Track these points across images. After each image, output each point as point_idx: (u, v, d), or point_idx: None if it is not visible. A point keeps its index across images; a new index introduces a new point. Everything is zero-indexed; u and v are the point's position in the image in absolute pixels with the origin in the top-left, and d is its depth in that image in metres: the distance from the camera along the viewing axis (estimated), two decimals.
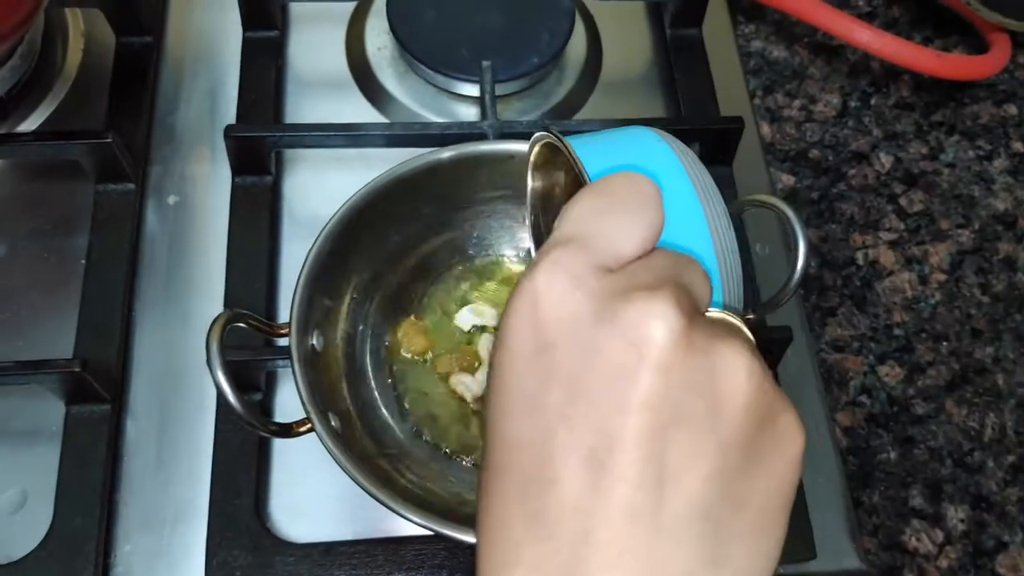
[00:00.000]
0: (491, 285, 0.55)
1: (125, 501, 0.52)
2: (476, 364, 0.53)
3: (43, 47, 0.66)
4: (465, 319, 0.54)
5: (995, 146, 0.76)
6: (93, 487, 0.51)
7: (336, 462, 0.42)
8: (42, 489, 0.51)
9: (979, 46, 0.79)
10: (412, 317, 0.54)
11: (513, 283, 0.55)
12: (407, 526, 0.51)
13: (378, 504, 0.52)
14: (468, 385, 0.52)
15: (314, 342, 0.47)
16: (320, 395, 0.45)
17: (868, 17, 0.82)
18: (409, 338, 0.53)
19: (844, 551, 0.54)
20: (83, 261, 0.58)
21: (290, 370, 0.55)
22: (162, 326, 0.57)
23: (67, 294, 0.57)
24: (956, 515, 0.63)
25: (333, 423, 0.44)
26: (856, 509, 0.62)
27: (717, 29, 0.71)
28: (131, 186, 0.60)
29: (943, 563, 0.61)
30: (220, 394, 0.41)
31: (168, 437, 0.54)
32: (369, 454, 0.47)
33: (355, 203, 0.49)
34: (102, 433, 0.52)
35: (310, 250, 0.48)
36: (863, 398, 0.66)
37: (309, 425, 0.43)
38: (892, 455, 0.64)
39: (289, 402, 0.55)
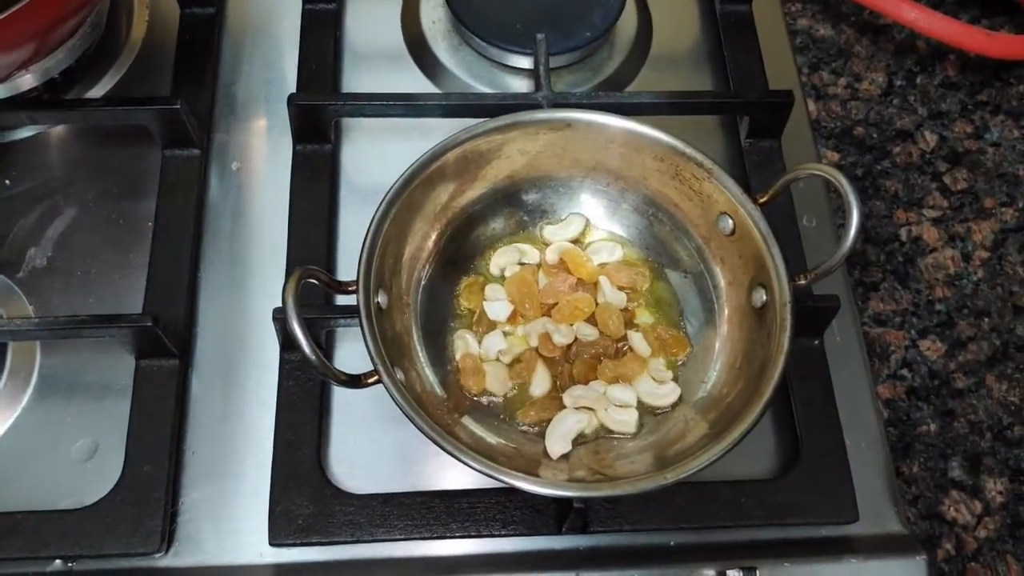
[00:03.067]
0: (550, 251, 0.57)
1: (192, 451, 0.55)
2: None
3: (109, 17, 0.68)
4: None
5: None
6: (162, 437, 0.53)
7: (402, 412, 0.44)
8: (112, 440, 0.54)
9: None
10: (473, 276, 0.56)
11: (571, 249, 0.56)
12: (460, 480, 0.53)
13: (432, 458, 0.54)
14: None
15: (379, 299, 0.49)
16: (385, 350, 0.46)
17: None
18: (469, 297, 0.55)
19: (886, 515, 0.55)
20: (150, 223, 0.60)
21: (347, 330, 0.57)
22: (226, 286, 0.60)
23: (134, 255, 0.60)
24: (995, 487, 0.64)
25: (398, 376, 0.46)
26: (896, 479, 0.63)
27: (765, 6, 0.72)
28: (196, 152, 0.62)
29: (981, 533, 0.62)
30: (297, 346, 0.42)
31: (232, 392, 0.56)
32: (429, 407, 0.49)
33: (418, 167, 0.51)
34: (171, 386, 0.55)
35: (376, 211, 0.50)
36: (904, 371, 0.67)
37: (376, 377, 0.45)
38: (932, 427, 0.65)
39: (346, 362, 0.57)
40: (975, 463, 0.65)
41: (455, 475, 0.54)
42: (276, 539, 0.51)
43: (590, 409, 0.52)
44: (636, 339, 0.54)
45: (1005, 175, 0.75)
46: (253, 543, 0.52)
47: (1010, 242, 0.72)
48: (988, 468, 0.64)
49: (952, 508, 0.63)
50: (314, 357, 0.42)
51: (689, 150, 0.52)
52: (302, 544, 0.51)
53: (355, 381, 0.45)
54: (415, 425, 0.44)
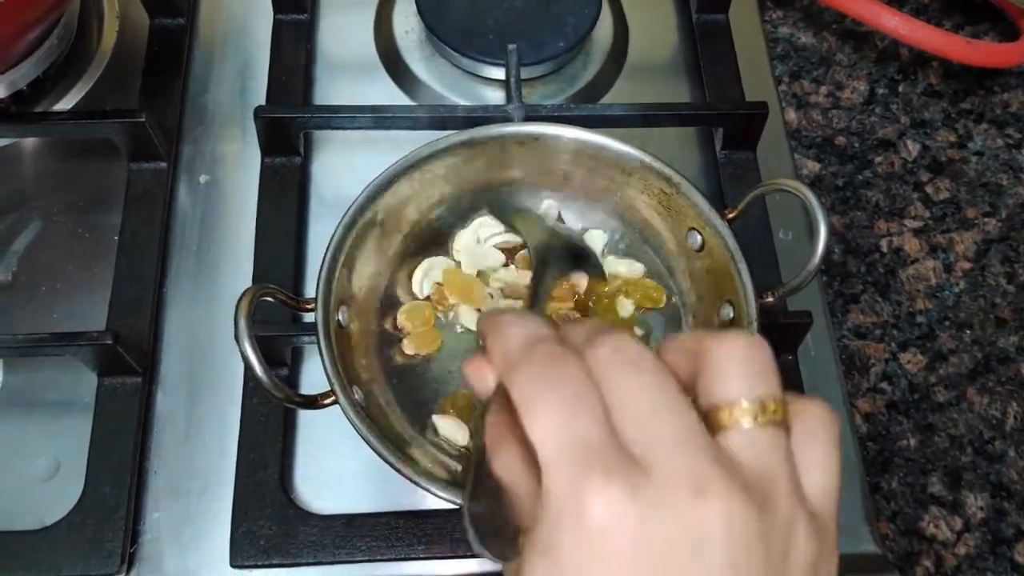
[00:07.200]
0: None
1: (155, 470, 0.54)
2: None
3: (79, 28, 0.67)
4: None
5: None
6: (123, 456, 0.52)
7: (358, 433, 0.43)
8: (74, 458, 0.53)
9: (1010, 33, 0.78)
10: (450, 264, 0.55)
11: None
12: (428, 499, 0.52)
13: (400, 477, 0.53)
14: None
15: (340, 317, 0.48)
16: (344, 369, 0.46)
17: (897, 3, 0.81)
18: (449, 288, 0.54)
19: (861, 535, 0.54)
20: (116, 237, 0.59)
21: (316, 345, 0.56)
22: (192, 302, 0.59)
23: (100, 269, 0.59)
24: (975, 503, 0.63)
25: (356, 396, 0.45)
26: (874, 495, 0.62)
27: (744, 15, 0.71)
28: (163, 165, 0.61)
29: (961, 550, 0.62)
30: (247, 366, 0.42)
31: (197, 409, 0.55)
32: (392, 427, 0.48)
33: (380, 183, 0.50)
34: (133, 404, 0.54)
35: (337, 227, 0.49)
36: (884, 385, 0.66)
37: (333, 397, 0.44)
38: (912, 442, 0.65)
39: (315, 377, 0.56)
40: (955, 478, 0.64)
41: (422, 495, 0.53)
42: (237, 561, 0.50)
43: None
44: None
45: (988, 184, 0.74)
46: (215, 564, 0.51)
47: (992, 253, 0.71)
48: (969, 483, 0.64)
49: (932, 524, 0.62)
50: (266, 379, 0.41)
51: (657, 164, 0.51)
52: (264, 566, 0.50)
53: (311, 402, 0.44)
54: (371, 447, 0.43)
